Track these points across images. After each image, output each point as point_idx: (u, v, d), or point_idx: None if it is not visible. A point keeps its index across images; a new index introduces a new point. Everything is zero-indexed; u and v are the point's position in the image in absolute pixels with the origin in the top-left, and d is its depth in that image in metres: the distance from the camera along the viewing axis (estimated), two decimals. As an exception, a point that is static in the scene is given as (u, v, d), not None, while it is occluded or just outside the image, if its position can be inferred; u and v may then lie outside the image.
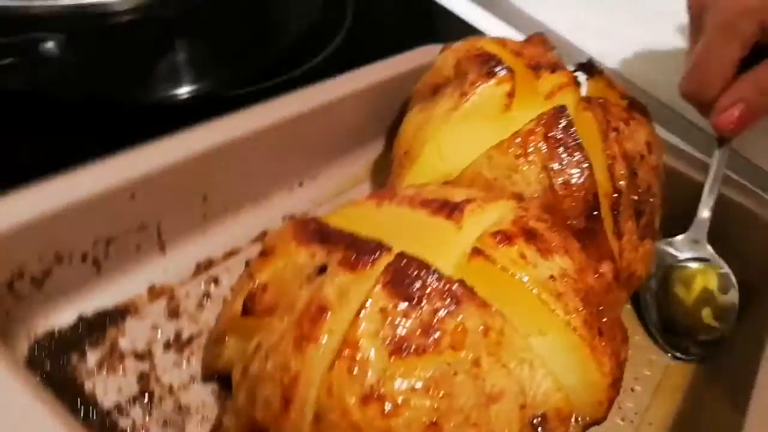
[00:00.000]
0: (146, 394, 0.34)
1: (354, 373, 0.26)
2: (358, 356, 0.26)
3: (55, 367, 0.34)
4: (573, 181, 0.39)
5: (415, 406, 0.26)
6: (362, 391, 0.26)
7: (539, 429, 0.28)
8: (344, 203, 0.37)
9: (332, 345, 0.27)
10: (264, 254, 0.33)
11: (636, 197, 0.42)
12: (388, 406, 0.26)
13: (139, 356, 0.35)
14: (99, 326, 0.36)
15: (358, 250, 0.29)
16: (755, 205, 0.48)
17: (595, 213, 0.39)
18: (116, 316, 0.37)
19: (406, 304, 0.27)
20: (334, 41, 0.63)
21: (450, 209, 0.31)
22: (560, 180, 0.39)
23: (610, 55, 0.72)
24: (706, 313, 0.45)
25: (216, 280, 0.41)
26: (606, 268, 0.40)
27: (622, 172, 0.41)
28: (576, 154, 0.39)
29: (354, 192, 0.50)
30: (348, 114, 0.49)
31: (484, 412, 0.27)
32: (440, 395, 0.26)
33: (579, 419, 0.30)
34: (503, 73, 0.43)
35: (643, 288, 0.46)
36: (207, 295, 0.40)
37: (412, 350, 0.26)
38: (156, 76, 0.52)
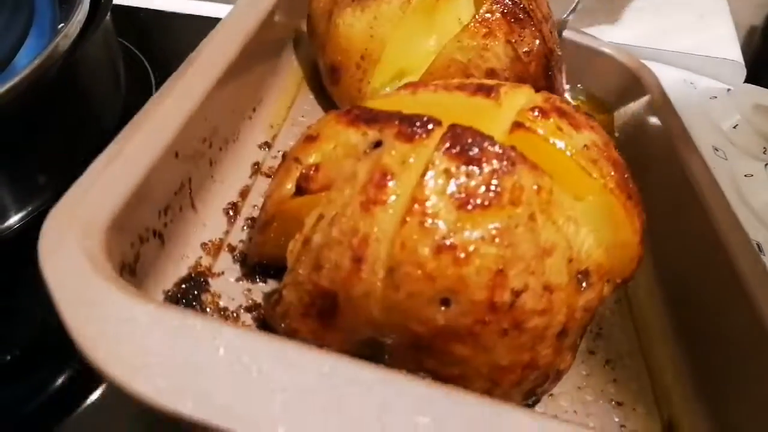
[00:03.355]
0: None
1: (426, 225, 0.28)
2: (429, 211, 0.28)
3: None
4: (533, 48, 0.43)
5: (484, 254, 0.28)
6: (435, 243, 0.28)
7: (583, 283, 0.31)
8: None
9: (401, 204, 0.29)
10: (310, 140, 0.34)
11: (558, 51, 0.47)
12: (460, 255, 0.28)
13: (249, 309, 0.36)
14: (190, 299, 0.36)
15: (411, 123, 0.31)
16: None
17: (550, 73, 0.44)
18: (199, 282, 0.37)
19: (468, 165, 0.29)
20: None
21: (487, 90, 0.34)
22: (524, 49, 0.43)
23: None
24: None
25: (251, 219, 0.41)
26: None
27: (550, 32, 0.45)
28: (528, 23, 0.43)
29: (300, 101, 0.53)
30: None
31: (540, 263, 0.29)
32: (505, 244, 0.28)
33: (609, 281, 0.33)
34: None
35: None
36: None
37: (477, 205, 0.28)
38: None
